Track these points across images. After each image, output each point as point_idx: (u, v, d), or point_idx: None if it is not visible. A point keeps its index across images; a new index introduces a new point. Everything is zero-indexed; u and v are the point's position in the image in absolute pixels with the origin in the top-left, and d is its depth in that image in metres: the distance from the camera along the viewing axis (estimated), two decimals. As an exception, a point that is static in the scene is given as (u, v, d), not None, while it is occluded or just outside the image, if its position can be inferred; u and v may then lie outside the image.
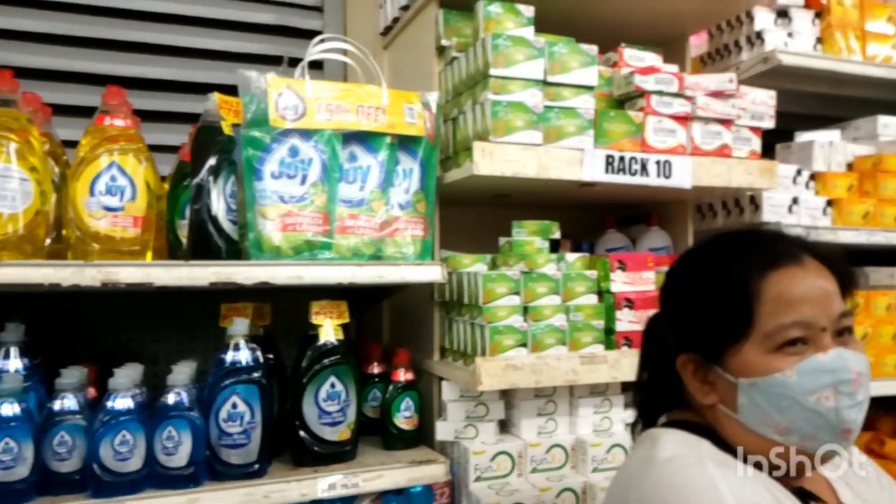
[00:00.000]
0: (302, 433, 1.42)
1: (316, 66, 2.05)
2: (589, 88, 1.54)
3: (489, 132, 1.44)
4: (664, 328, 1.00)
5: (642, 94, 1.62)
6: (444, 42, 1.66)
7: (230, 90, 1.44)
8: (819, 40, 2.05)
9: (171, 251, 1.48)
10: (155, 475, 1.26)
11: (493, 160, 1.43)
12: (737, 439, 0.90)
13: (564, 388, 1.63)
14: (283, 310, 1.58)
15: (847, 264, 0.92)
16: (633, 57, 1.73)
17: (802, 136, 2.15)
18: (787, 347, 0.85)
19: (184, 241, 1.46)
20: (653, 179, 1.61)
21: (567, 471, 1.59)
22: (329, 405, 1.43)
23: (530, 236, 1.57)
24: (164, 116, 1.94)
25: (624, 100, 1.67)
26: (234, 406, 1.33)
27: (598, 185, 1.57)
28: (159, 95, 1.97)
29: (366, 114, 1.44)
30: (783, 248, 0.90)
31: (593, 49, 1.55)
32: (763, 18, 2.02)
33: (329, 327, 1.45)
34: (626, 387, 1.69)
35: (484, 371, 1.40)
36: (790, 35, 2.01)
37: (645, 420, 1.06)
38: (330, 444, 1.44)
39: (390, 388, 1.59)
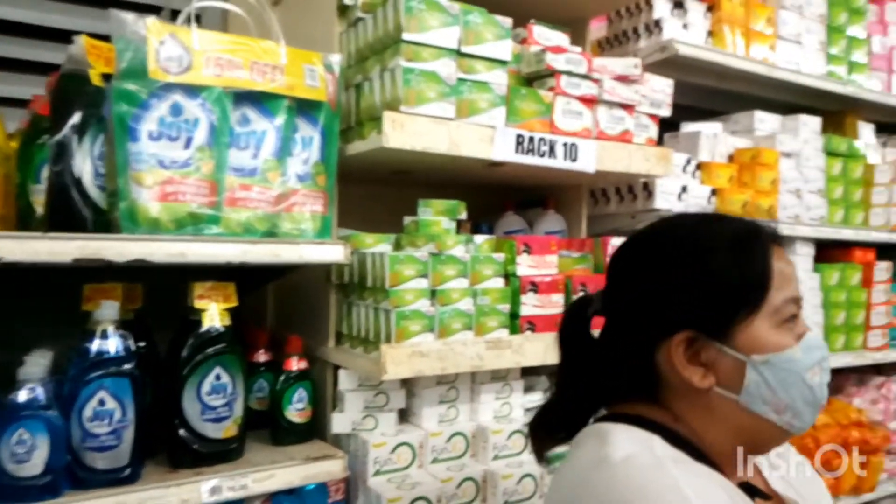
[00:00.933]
0: (181, 431, 1.25)
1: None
2: (502, 63, 1.47)
3: (400, 101, 1.33)
4: (629, 311, 0.92)
5: (552, 73, 1.57)
6: (346, 1, 1.52)
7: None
8: (710, 34, 2.11)
9: (23, 221, 1.25)
10: (2, 488, 1.06)
11: (405, 132, 1.32)
12: (720, 424, 0.86)
13: (467, 375, 1.57)
14: (158, 291, 1.39)
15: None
16: (542, 35, 1.68)
17: (689, 127, 2.22)
18: (787, 323, 0.86)
19: (39, 209, 1.24)
20: (560, 162, 1.57)
21: (467, 459, 1.53)
22: (213, 399, 1.28)
23: (437, 216, 1.48)
24: (14, 65, 1.66)
25: (533, 78, 1.62)
26: (102, 403, 1.15)
27: (506, 164, 1.51)
28: (7, 40, 1.67)
29: (261, 72, 1.29)
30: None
31: (508, 21, 1.48)
32: (661, 7, 2.04)
33: (214, 312, 1.29)
34: (525, 371, 1.66)
35: (389, 359, 1.31)
36: (685, 27, 2.06)
37: (569, 414, 0.97)
38: (214, 443, 1.28)
39: (281, 378, 1.45)
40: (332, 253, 1.33)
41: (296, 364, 1.46)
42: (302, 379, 1.46)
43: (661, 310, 0.89)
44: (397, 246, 1.51)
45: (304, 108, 1.36)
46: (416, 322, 1.36)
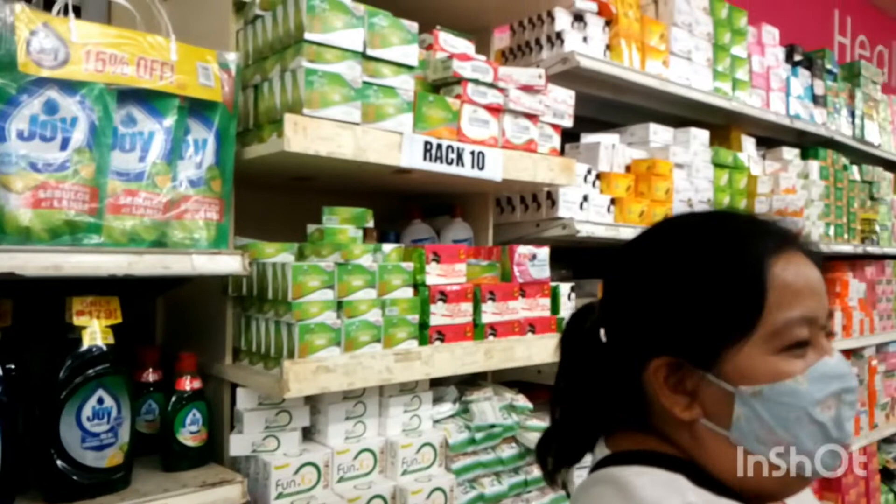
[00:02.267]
0: (59, 462, 1.13)
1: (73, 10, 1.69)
2: (409, 68, 1.44)
3: (303, 104, 1.26)
4: (618, 326, 0.82)
5: (459, 80, 1.56)
6: (244, -3, 1.45)
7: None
8: (608, 47, 2.17)
9: None
10: None
11: (307, 136, 1.26)
12: (719, 463, 0.74)
13: (375, 388, 1.51)
14: (31, 307, 1.26)
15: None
16: (448, 42, 1.67)
17: (589, 138, 2.27)
18: (792, 349, 0.72)
19: None
20: (468, 170, 1.56)
21: (376, 476, 1.48)
22: (95, 425, 1.16)
23: (343, 224, 1.43)
24: None
25: (440, 85, 1.59)
26: (-39, 435, 1.01)
27: (414, 172, 1.48)
28: None
29: (149, 68, 1.19)
30: (780, 230, 0.77)
31: (414, 26, 1.45)
32: (562, 20, 2.08)
33: (96, 329, 1.18)
34: (434, 382, 1.63)
35: (292, 375, 1.23)
36: (585, 40, 2.10)
37: (567, 441, 0.87)
38: (97, 473, 1.16)
39: (172, 398, 1.35)
40: (228, 263, 1.24)
41: (188, 383, 1.36)
42: (195, 399, 1.36)
43: (641, 329, 0.78)
44: (300, 256, 1.44)
45: (198, 108, 1.27)
46: (321, 335, 1.29)
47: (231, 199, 1.36)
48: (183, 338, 1.62)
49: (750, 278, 0.73)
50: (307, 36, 1.27)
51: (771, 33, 3.04)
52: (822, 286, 0.76)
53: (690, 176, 2.42)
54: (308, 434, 1.47)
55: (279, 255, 1.43)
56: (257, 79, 1.41)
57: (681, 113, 2.66)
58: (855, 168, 3.56)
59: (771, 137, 3.15)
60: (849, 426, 0.73)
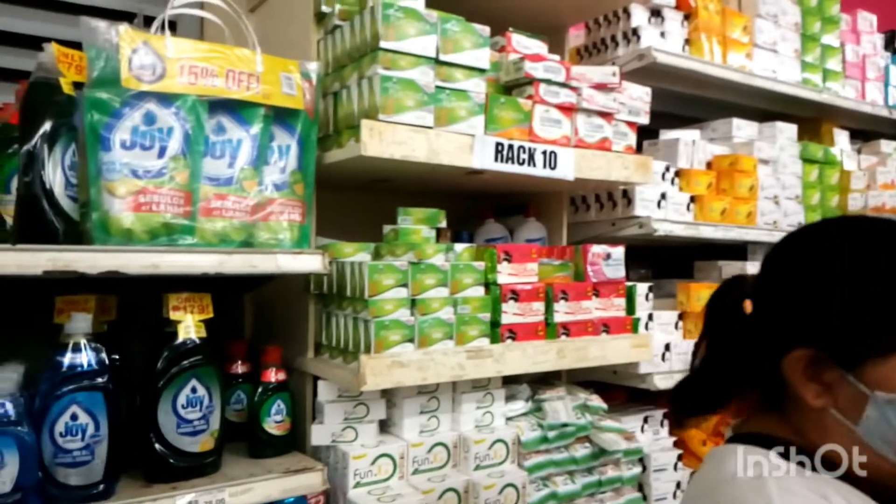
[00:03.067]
0: (157, 445, 1.23)
1: (169, 27, 1.81)
2: (481, 71, 1.47)
3: (378, 110, 1.32)
4: (769, 307, 0.88)
5: (531, 81, 1.57)
6: (324, 8, 1.51)
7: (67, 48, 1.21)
8: (687, 42, 2.13)
9: (-9, 232, 1.23)
10: (-32, 507, 1.03)
11: (383, 141, 1.31)
12: (837, 447, 0.83)
13: (448, 384, 1.55)
14: (133, 302, 1.37)
15: None
16: (521, 43, 1.68)
17: (668, 134, 2.23)
18: None
19: (9, 220, 1.21)
20: (539, 170, 1.57)
21: (449, 470, 1.52)
22: (189, 412, 1.25)
23: (417, 224, 1.47)
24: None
25: (512, 86, 1.62)
26: (74, 417, 1.12)
27: (486, 172, 1.50)
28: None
29: (237, 80, 1.27)
30: None
31: (486, 30, 1.48)
32: (639, 16, 2.06)
33: (190, 323, 1.27)
34: (506, 380, 1.65)
35: (369, 369, 1.29)
36: (662, 35, 2.07)
37: (699, 395, 0.97)
38: (190, 457, 1.26)
39: (259, 389, 1.43)
40: (310, 262, 1.31)
41: (274, 375, 1.44)
42: (280, 390, 1.44)
43: (794, 317, 0.85)
44: (376, 255, 1.49)
45: (281, 116, 1.35)
46: (395, 332, 1.34)
47: (313, 202, 1.43)
48: (269, 332, 1.72)
49: None
50: (382, 44, 1.33)
51: (868, 20, 2.88)
52: None
53: (776, 172, 2.34)
54: (384, 426, 1.53)
55: (357, 254, 1.49)
56: (336, 86, 1.47)
57: (766, 107, 2.57)
58: (963, 160, 3.32)
59: (867, 130, 2.98)
60: None
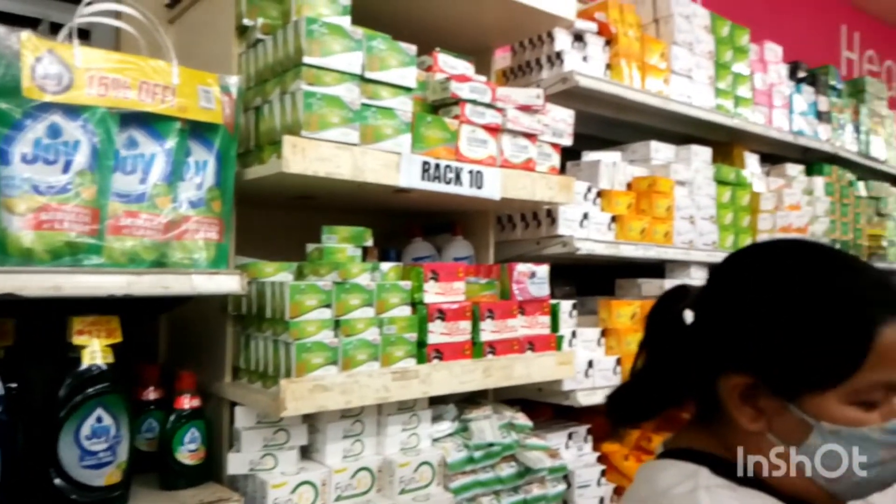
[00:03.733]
0: (57, 480, 1.14)
1: (81, 35, 1.72)
2: (407, 90, 1.46)
3: (301, 126, 1.29)
4: (710, 329, 0.87)
5: (457, 101, 1.58)
6: (246, 21, 1.47)
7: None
8: (608, 67, 2.19)
9: None
10: None
11: (306, 158, 1.28)
12: (767, 465, 0.84)
13: (373, 407, 1.52)
14: (34, 326, 1.28)
15: None
16: (447, 63, 1.68)
17: (590, 156, 2.28)
18: (872, 406, 0.79)
19: None
20: (466, 189, 1.57)
21: (373, 495, 1.48)
22: (94, 444, 1.17)
23: (342, 243, 1.44)
24: None
25: (438, 105, 1.61)
26: (-39, 454, 1.03)
27: (413, 191, 1.49)
28: None
29: (150, 92, 1.22)
30: None
31: (412, 49, 1.47)
32: (562, 40, 2.10)
33: (96, 348, 1.19)
34: (433, 400, 1.64)
35: (289, 394, 1.25)
36: (585, 59, 2.12)
37: (635, 403, 0.97)
38: (94, 491, 1.18)
39: (171, 417, 1.36)
40: (227, 283, 1.26)
41: (188, 402, 1.37)
42: (194, 417, 1.37)
43: (733, 341, 0.84)
44: (299, 275, 1.45)
45: (199, 130, 1.29)
46: (318, 354, 1.30)
47: (231, 220, 1.38)
48: (185, 356, 1.64)
49: (857, 340, 0.77)
50: (306, 59, 1.30)
51: (774, 51, 3.05)
52: None
53: (692, 193, 2.43)
54: (306, 452, 1.48)
55: (278, 274, 1.45)
56: (258, 101, 1.43)
57: (683, 130, 2.67)
58: (861, 184, 3.55)
59: (775, 154, 3.15)
60: None
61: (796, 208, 2.89)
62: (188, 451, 1.36)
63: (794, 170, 3.12)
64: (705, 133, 2.73)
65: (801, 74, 3.24)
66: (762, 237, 2.70)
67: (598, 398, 1.95)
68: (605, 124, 2.49)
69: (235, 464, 1.37)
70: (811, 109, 3.17)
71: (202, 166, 1.30)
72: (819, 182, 3.14)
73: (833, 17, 5.90)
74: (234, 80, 1.36)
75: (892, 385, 0.78)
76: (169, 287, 1.19)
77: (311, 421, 1.46)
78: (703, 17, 2.59)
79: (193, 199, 1.28)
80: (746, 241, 2.66)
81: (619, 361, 2.02)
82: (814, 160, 3.28)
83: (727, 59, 2.66)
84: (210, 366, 1.50)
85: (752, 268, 0.89)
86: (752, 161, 2.92)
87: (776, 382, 0.81)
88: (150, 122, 1.23)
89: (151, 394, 1.45)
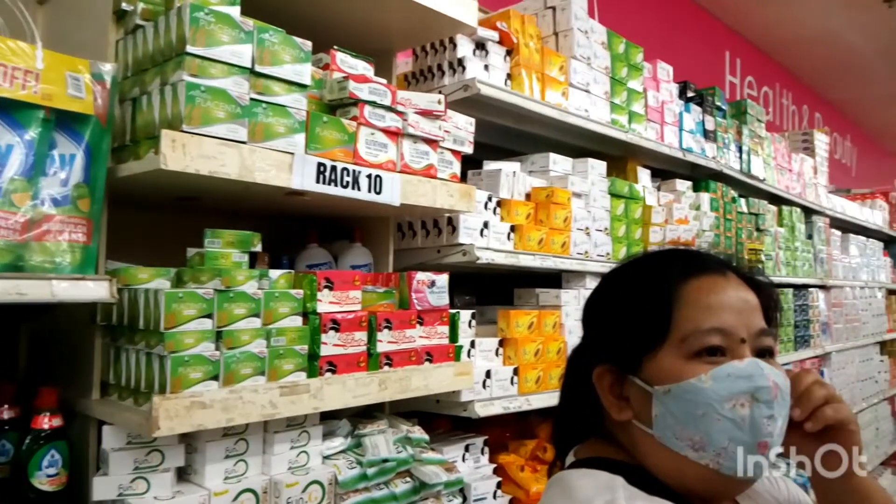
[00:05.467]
0: None
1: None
2: (302, 87, 1.39)
3: (182, 120, 1.19)
4: (585, 348, 0.97)
5: (356, 102, 1.52)
6: (124, 6, 1.36)
7: None
8: (509, 76, 2.19)
9: None
10: None
11: (187, 154, 1.18)
12: (653, 462, 0.85)
13: (259, 424, 1.42)
14: None
15: (772, 287, 0.93)
16: (346, 62, 1.62)
17: (490, 165, 2.27)
18: (704, 356, 0.82)
19: None
20: (364, 194, 1.51)
21: (258, 518, 1.39)
22: (-73, 473, 1.02)
23: (226, 248, 1.34)
24: None
25: (336, 106, 1.55)
26: None
27: (308, 194, 1.42)
28: None
29: (10, 77, 1.10)
30: (707, 260, 0.91)
31: (308, 44, 1.40)
32: (464, 47, 2.08)
33: (-67, 363, 1.04)
34: (327, 415, 1.56)
35: (163, 412, 1.14)
36: (486, 68, 2.11)
37: (560, 452, 0.99)
38: (-74, 528, 1.03)
39: (28, 438, 1.22)
40: (94, 290, 1.14)
41: (47, 421, 1.23)
42: (55, 438, 1.23)
43: (592, 342, 0.95)
44: (178, 282, 1.34)
45: (66, 121, 1.18)
46: (197, 368, 1.20)
47: (102, 220, 1.26)
48: (49, 371, 1.49)
49: (659, 297, 0.86)
50: (189, 49, 1.20)
51: (665, 70, 3.17)
52: (748, 305, 0.86)
53: (588, 205, 2.47)
54: (183, 474, 1.36)
55: (154, 280, 1.33)
56: (136, 92, 1.32)
57: (581, 143, 2.72)
58: (742, 200, 3.76)
59: (665, 169, 3.27)
60: (765, 424, 0.80)
61: (684, 222, 3.01)
62: (46, 476, 1.22)
63: (683, 185, 3.26)
64: (601, 147, 2.79)
65: (690, 94, 3.38)
66: (653, 249, 2.79)
67: (495, 409, 1.93)
68: (506, 134, 2.49)
69: (102, 489, 1.24)
70: (699, 128, 3.32)
71: (68, 160, 1.18)
72: (705, 198, 3.29)
73: (719, 42, 6.28)
74: (108, 68, 1.24)
75: (722, 330, 0.83)
76: (25, 293, 1.07)
77: (190, 440, 1.35)
78: (601, 34, 2.65)
79: (57, 196, 1.16)
80: (638, 252, 2.74)
81: (516, 371, 2.02)
82: (701, 177, 3.44)
83: (623, 75, 2.74)
84: (76, 381, 1.36)
85: (605, 275, 1.01)
86: (644, 175, 3.02)
87: (620, 358, 0.88)
88: (7, 110, 1.11)
89: (5, 413, 1.30)
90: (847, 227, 5.45)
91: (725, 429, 0.79)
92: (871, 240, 5.85)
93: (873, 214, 5.97)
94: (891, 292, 6.14)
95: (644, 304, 0.87)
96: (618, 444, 0.90)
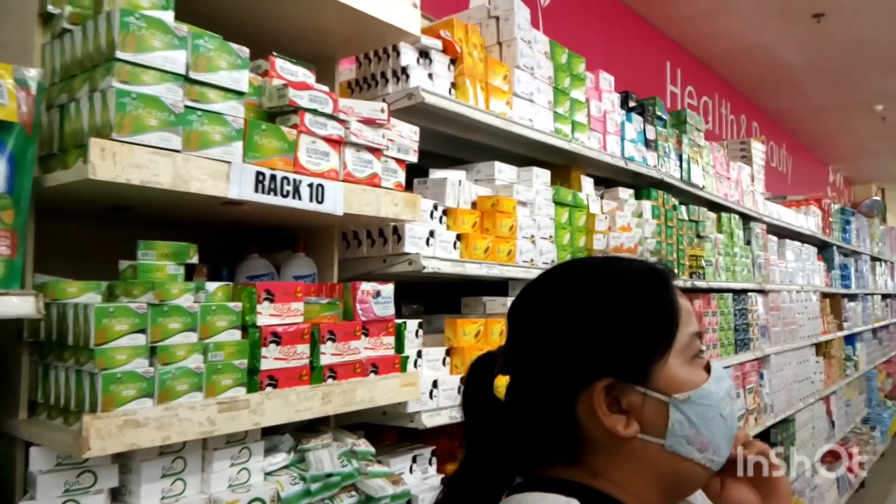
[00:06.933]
0: None
1: None
2: (239, 94, 1.36)
3: (112, 128, 1.15)
4: (545, 362, 0.86)
5: (296, 109, 1.50)
6: (51, 8, 1.30)
7: None
8: (454, 85, 2.20)
9: None
10: None
11: (117, 164, 1.14)
12: (641, 477, 0.84)
13: (197, 441, 1.38)
14: None
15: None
16: (285, 69, 1.60)
17: (436, 174, 2.27)
18: (696, 359, 0.86)
19: None
20: (305, 203, 1.49)
21: (197, 539, 1.34)
22: None
23: (161, 260, 1.30)
24: None
25: (275, 113, 1.52)
26: None
27: (246, 204, 1.39)
28: None
29: (-79, 81, 1.03)
30: (666, 269, 0.92)
31: (245, 51, 1.37)
32: (408, 55, 2.08)
33: None
34: (269, 430, 1.52)
35: (94, 431, 1.09)
36: (430, 76, 2.11)
37: (481, 487, 0.88)
38: None
39: (-55, 464, 1.15)
40: (18, 305, 1.09)
41: (-33, 446, 1.16)
42: (-25, 464, 1.17)
43: (575, 359, 0.84)
44: (110, 296, 1.29)
45: (-13, 128, 1.12)
46: (129, 386, 1.16)
47: (27, 232, 1.21)
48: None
49: (668, 304, 0.87)
50: (119, 54, 1.16)
51: (607, 80, 3.23)
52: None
53: (533, 213, 2.49)
54: (117, 496, 1.31)
55: (84, 294, 1.28)
56: (64, 98, 1.27)
57: (525, 152, 2.74)
58: (683, 208, 3.85)
59: (608, 178, 3.33)
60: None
61: (627, 230, 3.07)
62: (-35, 504, 1.15)
63: (626, 193, 3.32)
64: (545, 156, 2.82)
65: (632, 104, 3.46)
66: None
67: (442, 419, 1.92)
68: (451, 143, 2.50)
69: (28, 515, 1.18)
70: (640, 137, 3.40)
71: (-11, 170, 1.12)
72: (647, 205, 3.36)
73: (660, 52, 6.45)
74: (32, 73, 1.19)
75: (700, 333, 0.89)
76: (-61, 311, 1.01)
77: (123, 460, 1.30)
78: (544, 44, 2.68)
79: (-23, 207, 1.10)
80: (584, 259, 2.77)
81: (463, 381, 2.01)
82: (642, 185, 3.51)
83: (565, 85, 2.78)
84: (2, 401, 1.30)
85: (548, 295, 0.91)
86: (587, 184, 3.06)
87: (626, 371, 0.83)
88: (-81, 116, 1.04)
89: (-79, 438, 1.22)
90: (783, 232, 5.65)
91: (721, 427, 0.85)
92: (805, 245, 6.08)
93: (808, 220, 6.21)
94: (825, 296, 6.39)
95: (655, 313, 0.86)
96: (582, 465, 0.86)
